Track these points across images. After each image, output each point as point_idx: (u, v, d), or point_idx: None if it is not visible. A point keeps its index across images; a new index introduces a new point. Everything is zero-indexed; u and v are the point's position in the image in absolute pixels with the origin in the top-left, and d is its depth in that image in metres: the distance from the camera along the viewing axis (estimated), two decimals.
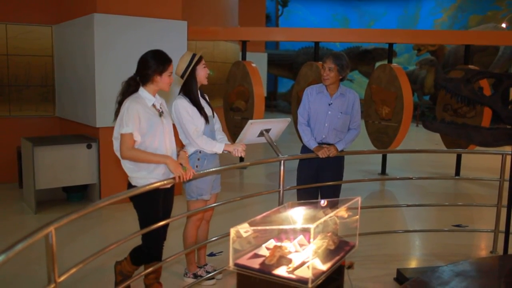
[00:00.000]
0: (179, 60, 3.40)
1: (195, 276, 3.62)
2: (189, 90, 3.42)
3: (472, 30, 15.54)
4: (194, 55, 3.40)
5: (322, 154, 3.71)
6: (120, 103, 2.94)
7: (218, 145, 3.41)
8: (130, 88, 2.95)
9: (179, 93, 3.47)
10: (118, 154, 2.98)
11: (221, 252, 4.21)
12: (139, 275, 2.90)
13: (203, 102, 3.51)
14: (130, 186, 3.01)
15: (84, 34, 5.72)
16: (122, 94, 2.95)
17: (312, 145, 3.79)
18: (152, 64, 2.91)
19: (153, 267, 2.98)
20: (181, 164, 2.95)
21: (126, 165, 2.97)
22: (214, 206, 3.51)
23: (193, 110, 3.39)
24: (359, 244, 2.73)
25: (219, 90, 8.80)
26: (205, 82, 3.49)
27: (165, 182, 2.86)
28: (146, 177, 2.94)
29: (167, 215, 3.13)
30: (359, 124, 3.90)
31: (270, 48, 20.57)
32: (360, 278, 3.70)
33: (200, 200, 3.51)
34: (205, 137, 3.40)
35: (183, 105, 3.37)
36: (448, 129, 3.17)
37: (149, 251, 3.01)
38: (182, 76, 3.40)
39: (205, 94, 3.63)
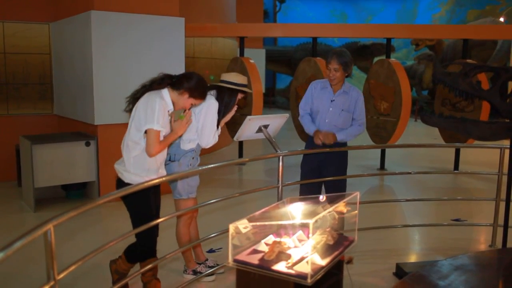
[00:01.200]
0: (237, 72, 3.53)
1: (195, 272, 3.62)
2: (225, 102, 3.49)
3: (470, 24, 15.51)
4: (246, 86, 3.53)
5: (316, 140, 3.72)
6: (144, 87, 2.95)
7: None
8: (162, 82, 2.96)
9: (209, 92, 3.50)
10: (130, 144, 2.94)
11: (221, 248, 4.22)
12: (136, 273, 2.90)
13: None
14: (119, 183, 3.00)
15: (81, 31, 5.70)
16: (152, 82, 2.96)
17: (311, 130, 3.80)
18: (192, 84, 2.96)
19: (150, 264, 2.98)
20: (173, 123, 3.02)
21: (131, 161, 2.95)
22: (212, 202, 3.51)
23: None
24: (358, 239, 2.74)
25: None
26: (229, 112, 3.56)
27: (163, 179, 2.87)
28: (141, 174, 2.95)
29: (158, 211, 3.16)
30: (364, 122, 3.86)
31: (268, 44, 20.54)
32: (359, 273, 3.70)
33: (191, 198, 3.53)
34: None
35: (217, 107, 3.45)
36: (446, 123, 3.17)
37: (143, 248, 3.02)
38: (221, 82, 3.49)
39: None
